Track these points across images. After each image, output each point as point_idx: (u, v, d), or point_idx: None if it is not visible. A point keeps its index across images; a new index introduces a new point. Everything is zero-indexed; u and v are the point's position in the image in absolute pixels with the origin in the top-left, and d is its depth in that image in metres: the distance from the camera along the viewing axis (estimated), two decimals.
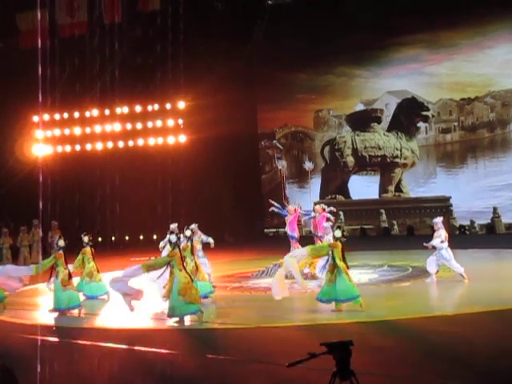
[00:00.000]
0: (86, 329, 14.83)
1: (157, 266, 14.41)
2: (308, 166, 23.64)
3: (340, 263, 14.53)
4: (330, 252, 14.79)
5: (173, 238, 14.77)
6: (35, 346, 10.93)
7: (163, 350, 11.71)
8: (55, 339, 13.12)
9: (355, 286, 14.70)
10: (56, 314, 16.04)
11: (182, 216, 20.87)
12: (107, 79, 28.97)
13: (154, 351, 11.77)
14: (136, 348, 12.11)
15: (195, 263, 16.58)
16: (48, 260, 16.80)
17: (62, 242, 16.83)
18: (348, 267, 14.73)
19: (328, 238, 17.95)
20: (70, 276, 16.62)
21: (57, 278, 16.33)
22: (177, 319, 14.16)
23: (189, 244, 16.46)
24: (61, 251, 16.65)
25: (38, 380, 8.14)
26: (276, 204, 21.36)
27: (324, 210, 20.61)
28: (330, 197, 34.60)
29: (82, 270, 18.47)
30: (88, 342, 12.77)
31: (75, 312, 16.24)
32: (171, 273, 14.29)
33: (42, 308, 17.32)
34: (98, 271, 18.62)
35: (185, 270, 14.43)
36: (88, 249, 18.63)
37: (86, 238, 18.73)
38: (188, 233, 16.72)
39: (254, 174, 37.00)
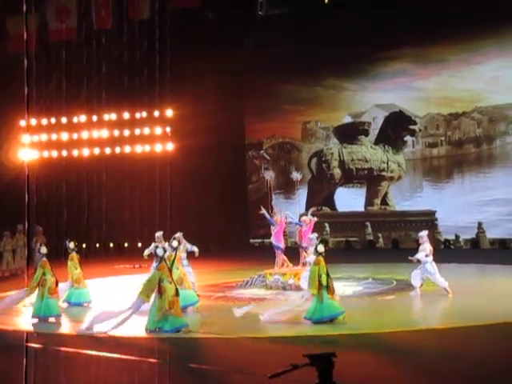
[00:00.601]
0: (69, 336, 14.75)
1: (153, 286, 14.29)
2: (296, 176, 23.59)
3: (324, 278, 14.49)
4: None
5: (159, 251, 14.67)
6: (19, 353, 10.86)
7: (145, 359, 11.66)
8: (38, 346, 13.01)
9: (338, 303, 14.70)
10: (37, 321, 15.96)
11: (167, 224, 20.84)
12: (95, 85, 28.90)
13: (136, 359, 11.71)
14: (118, 356, 12.05)
15: (181, 272, 16.53)
16: (36, 274, 16.68)
17: (44, 249, 16.74)
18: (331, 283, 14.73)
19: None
20: (56, 284, 16.56)
21: (44, 287, 16.23)
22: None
23: (173, 253, 16.35)
24: (44, 258, 16.57)
25: None
26: (266, 213, 21.34)
27: (310, 221, 20.66)
28: (315, 208, 34.61)
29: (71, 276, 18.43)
30: (71, 349, 12.69)
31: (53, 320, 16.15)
32: (160, 288, 14.18)
33: (23, 315, 17.18)
34: (83, 278, 18.61)
35: (173, 282, 14.39)
36: (75, 254, 18.58)
37: (71, 244, 18.67)
38: (175, 243, 16.60)
39: (241, 184, 36.99)
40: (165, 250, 14.98)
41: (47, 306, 16.08)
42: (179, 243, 17.37)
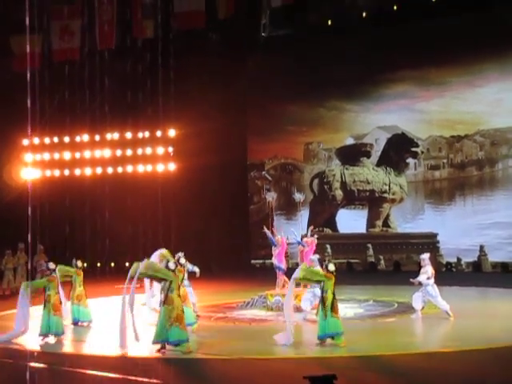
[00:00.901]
0: (72, 355, 14.71)
1: (159, 274, 14.25)
2: (298, 197, 23.60)
3: (330, 296, 14.51)
4: (322, 284, 14.76)
5: (171, 265, 14.68)
6: (23, 372, 10.83)
7: (147, 380, 11.61)
8: (42, 365, 12.96)
9: (340, 322, 14.67)
10: (42, 339, 15.94)
11: (169, 244, 20.80)
12: (98, 105, 29.00)
13: (140, 380, 11.66)
14: (120, 376, 12.00)
15: (184, 290, 16.51)
16: (40, 281, 16.70)
17: (52, 265, 16.77)
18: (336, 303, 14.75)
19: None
20: (60, 301, 16.54)
21: (48, 303, 16.21)
22: (159, 346, 14.02)
23: (182, 269, 16.40)
24: (54, 274, 16.57)
25: None
26: (268, 232, 21.34)
27: (312, 241, 20.67)
28: (317, 229, 34.54)
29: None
30: (73, 369, 12.63)
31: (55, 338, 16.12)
32: (168, 297, 14.14)
33: (29, 332, 17.11)
34: (85, 297, 18.62)
35: (179, 296, 14.38)
36: (80, 272, 18.67)
37: (78, 263, 18.76)
38: (182, 261, 16.69)
39: (243, 205, 36.96)
40: (177, 265, 15.01)
41: (52, 322, 16.07)
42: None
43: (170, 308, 13.95)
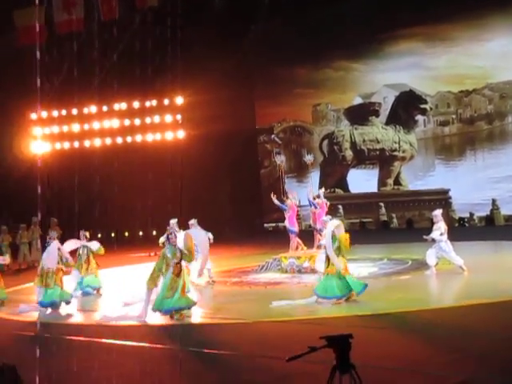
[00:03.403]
0: (82, 325, 14.86)
1: (159, 274, 14.36)
2: (308, 158, 23.53)
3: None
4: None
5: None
6: (34, 343, 10.95)
7: (161, 346, 11.74)
8: (50, 335, 13.07)
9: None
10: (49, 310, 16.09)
11: (181, 211, 20.89)
12: (105, 76, 28.93)
13: (151, 346, 11.79)
14: (133, 344, 12.13)
15: None
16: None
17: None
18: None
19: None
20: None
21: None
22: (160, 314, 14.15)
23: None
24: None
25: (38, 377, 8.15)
26: (274, 199, 21.38)
27: (323, 203, 20.69)
28: (328, 190, 34.59)
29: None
30: (82, 338, 12.76)
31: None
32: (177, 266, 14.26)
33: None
34: (96, 266, 18.75)
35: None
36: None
37: (86, 234, 18.87)
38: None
39: (253, 169, 37.02)
40: (167, 236, 14.99)
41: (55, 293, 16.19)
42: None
43: (180, 277, 14.11)
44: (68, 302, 16.44)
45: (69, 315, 15.89)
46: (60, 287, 16.39)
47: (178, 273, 14.14)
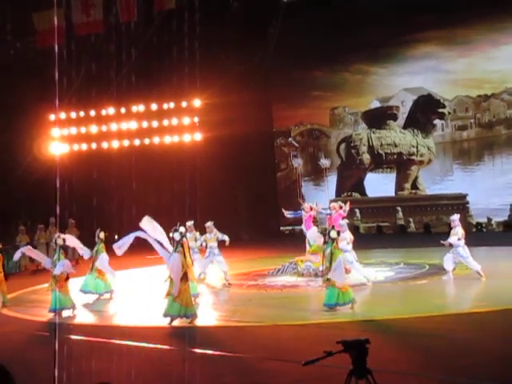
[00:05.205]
0: (93, 326, 14.92)
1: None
2: (324, 163, 23.54)
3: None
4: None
5: (176, 235, 14.71)
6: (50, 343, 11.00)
7: (176, 348, 11.76)
8: (67, 336, 13.11)
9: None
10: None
11: (197, 214, 20.92)
12: (123, 78, 29.02)
13: (166, 348, 11.81)
14: (148, 346, 12.14)
15: (189, 260, 16.29)
16: None
17: (60, 241, 16.81)
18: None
19: (344, 236, 17.85)
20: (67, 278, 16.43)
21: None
22: (169, 320, 14.08)
23: (185, 240, 16.12)
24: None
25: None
26: (286, 212, 21.38)
27: (341, 207, 20.59)
28: (346, 194, 34.54)
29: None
30: (98, 339, 12.79)
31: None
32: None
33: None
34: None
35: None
36: (103, 244, 18.73)
37: (101, 234, 18.84)
38: (182, 229, 16.43)
39: (270, 172, 36.98)
40: (182, 236, 14.92)
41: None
42: (210, 232, 17.53)
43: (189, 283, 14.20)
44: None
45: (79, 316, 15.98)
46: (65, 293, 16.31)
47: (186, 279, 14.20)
